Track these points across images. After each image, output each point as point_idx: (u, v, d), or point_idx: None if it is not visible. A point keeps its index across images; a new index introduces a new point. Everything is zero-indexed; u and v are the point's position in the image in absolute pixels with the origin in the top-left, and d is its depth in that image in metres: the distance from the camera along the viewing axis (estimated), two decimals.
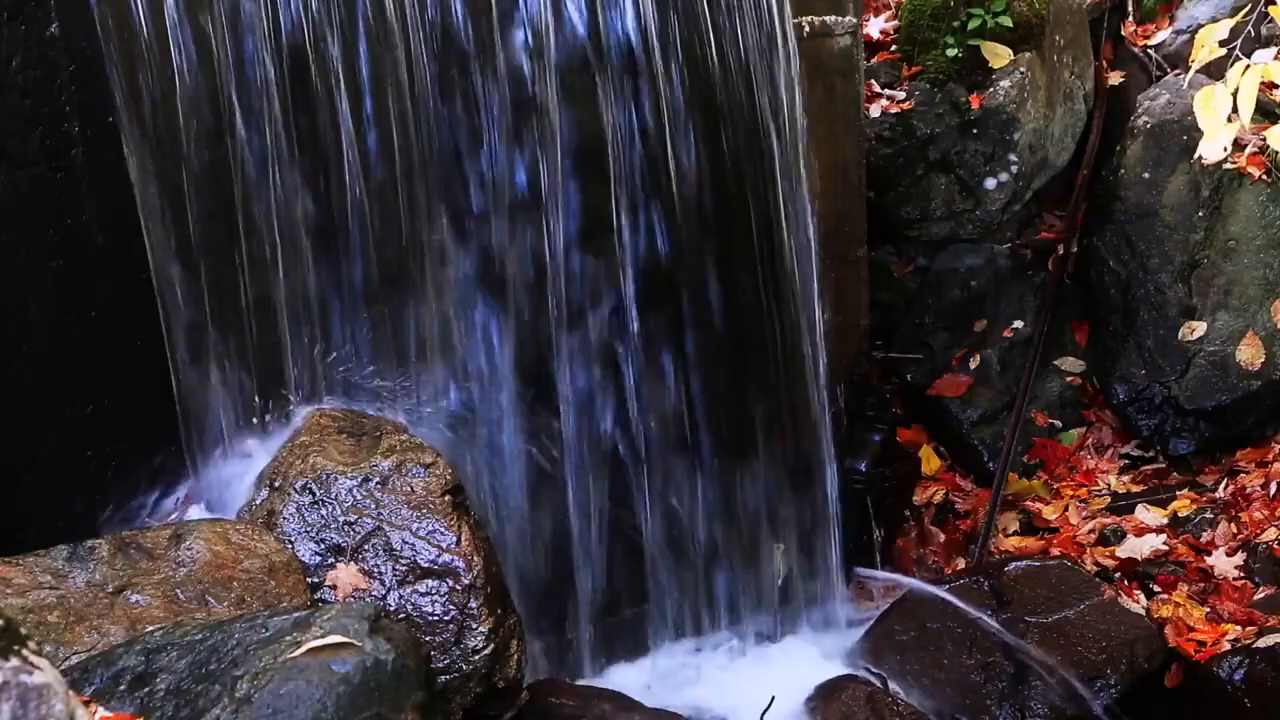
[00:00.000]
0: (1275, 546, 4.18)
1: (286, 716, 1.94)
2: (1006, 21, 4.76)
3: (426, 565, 2.72)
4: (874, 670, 3.69)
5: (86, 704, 1.68)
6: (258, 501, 2.84)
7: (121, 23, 2.76)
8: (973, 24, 4.77)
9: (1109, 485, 4.70)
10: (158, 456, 2.95)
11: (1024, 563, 4.07)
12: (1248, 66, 2.50)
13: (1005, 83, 4.79)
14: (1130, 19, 5.30)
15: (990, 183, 4.84)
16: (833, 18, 4.15)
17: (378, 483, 2.80)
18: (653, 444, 3.65)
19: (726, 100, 3.60)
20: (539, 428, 3.48)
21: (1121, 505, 4.56)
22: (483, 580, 2.73)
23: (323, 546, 2.74)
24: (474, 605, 2.70)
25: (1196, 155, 2.70)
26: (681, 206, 3.55)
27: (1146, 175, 4.84)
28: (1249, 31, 3.05)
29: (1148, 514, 4.47)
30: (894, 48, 4.97)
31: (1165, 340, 4.73)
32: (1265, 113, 4.19)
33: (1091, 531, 4.45)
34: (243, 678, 2.01)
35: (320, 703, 1.95)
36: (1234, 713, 3.55)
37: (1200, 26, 3.12)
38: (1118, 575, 4.24)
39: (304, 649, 2.03)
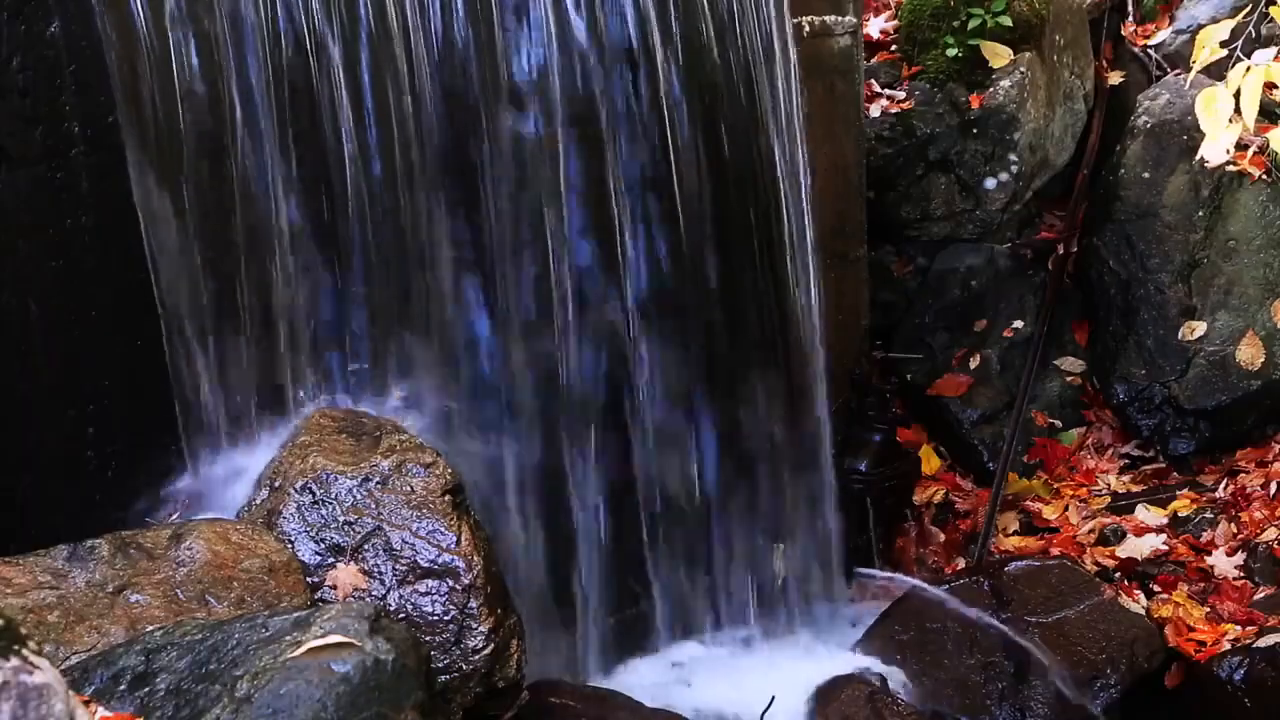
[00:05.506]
0: (1275, 546, 4.17)
1: (286, 716, 1.94)
2: (1006, 21, 4.76)
3: (426, 565, 2.72)
4: (874, 670, 3.69)
5: (86, 704, 1.68)
6: (257, 501, 2.84)
7: (121, 23, 2.75)
8: (973, 24, 4.77)
9: (1109, 485, 4.69)
10: (157, 456, 2.95)
11: (1024, 563, 4.07)
12: (1249, 68, 2.49)
13: (1005, 83, 4.79)
14: (1130, 19, 5.30)
15: (990, 183, 4.84)
16: (833, 18, 4.15)
17: (378, 482, 2.80)
18: (653, 444, 3.66)
19: (726, 101, 3.60)
20: (540, 421, 3.48)
21: (1121, 505, 4.56)
22: (483, 580, 2.72)
23: (323, 546, 2.74)
24: (474, 605, 2.69)
25: (1198, 156, 2.70)
26: (682, 207, 3.55)
27: (1146, 175, 4.84)
28: (1249, 32, 3.05)
29: (1148, 514, 4.47)
30: (894, 48, 4.97)
31: (1165, 340, 4.73)
32: (1266, 113, 4.19)
33: (1091, 531, 4.44)
34: (243, 677, 2.01)
35: (320, 702, 1.95)
36: (1234, 713, 3.56)
37: (1200, 26, 3.13)
38: (1118, 575, 4.24)
39: (304, 649, 2.03)
